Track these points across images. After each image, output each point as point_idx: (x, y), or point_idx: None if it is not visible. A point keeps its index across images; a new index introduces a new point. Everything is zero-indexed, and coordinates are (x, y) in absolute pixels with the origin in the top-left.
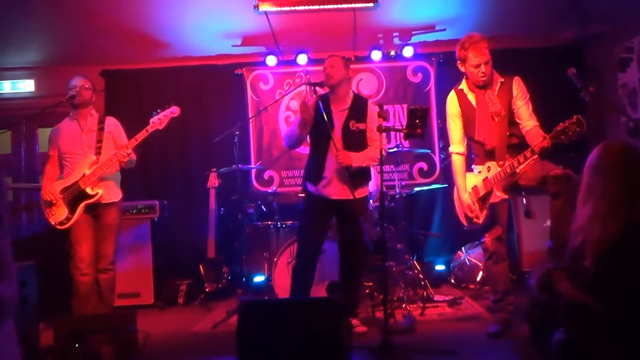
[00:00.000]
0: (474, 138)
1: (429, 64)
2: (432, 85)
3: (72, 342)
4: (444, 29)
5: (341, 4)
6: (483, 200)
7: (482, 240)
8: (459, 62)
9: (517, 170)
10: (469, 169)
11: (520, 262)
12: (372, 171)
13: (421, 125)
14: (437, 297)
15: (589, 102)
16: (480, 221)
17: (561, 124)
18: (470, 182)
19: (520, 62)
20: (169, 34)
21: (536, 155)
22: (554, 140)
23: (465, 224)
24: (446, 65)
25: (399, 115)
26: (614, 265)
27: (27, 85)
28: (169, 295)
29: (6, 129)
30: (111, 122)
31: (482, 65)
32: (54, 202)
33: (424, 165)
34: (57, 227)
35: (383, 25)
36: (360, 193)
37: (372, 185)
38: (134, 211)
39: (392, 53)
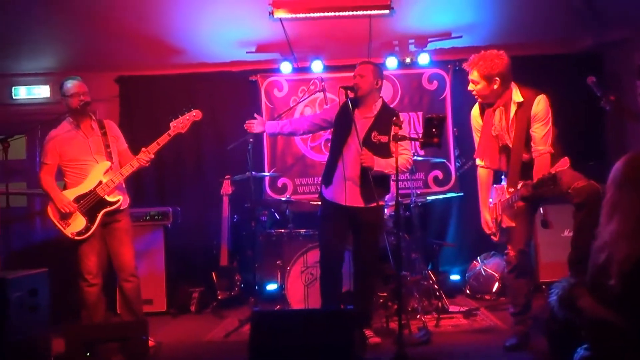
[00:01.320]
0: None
1: (445, 71)
2: (447, 93)
3: (83, 351)
4: (460, 36)
5: (357, 10)
6: (498, 222)
7: (506, 252)
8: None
9: (515, 205)
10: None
11: (537, 273)
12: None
13: (438, 134)
14: (452, 308)
15: (610, 110)
16: (497, 239)
17: (539, 177)
18: (496, 196)
19: (538, 70)
20: (184, 40)
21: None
22: (534, 190)
23: (493, 237)
24: (462, 73)
25: (414, 123)
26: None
27: (42, 91)
28: (181, 302)
29: (21, 134)
30: (111, 125)
31: (472, 84)
32: (72, 212)
33: (439, 173)
34: (76, 238)
35: (399, 32)
36: (373, 203)
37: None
38: (147, 218)
39: (408, 60)
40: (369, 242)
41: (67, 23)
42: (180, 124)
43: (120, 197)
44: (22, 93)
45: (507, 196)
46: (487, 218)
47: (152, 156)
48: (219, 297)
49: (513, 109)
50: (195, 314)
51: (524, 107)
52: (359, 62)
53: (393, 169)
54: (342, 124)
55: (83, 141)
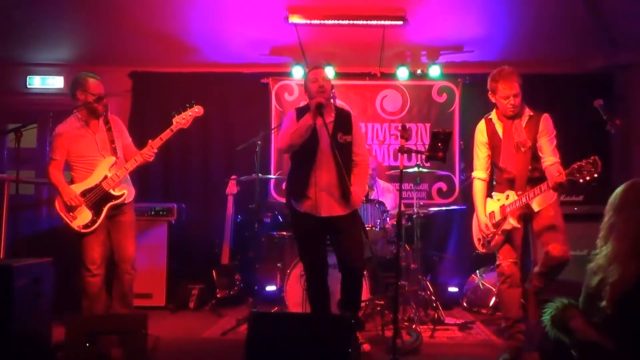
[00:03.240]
0: (498, 165)
1: (455, 84)
2: (456, 106)
3: (83, 341)
4: (472, 51)
5: (371, 20)
6: (497, 226)
7: (497, 264)
8: (490, 92)
9: (530, 202)
10: (489, 195)
11: None
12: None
13: (443, 149)
14: (448, 320)
15: (615, 134)
16: (492, 244)
17: (578, 162)
18: (489, 207)
19: (548, 88)
20: (199, 40)
21: (550, 189)
22: (569, 176)
23: (479, 248)
24: (472, 87)
25: (421, 134)
26: (631, 308)
27: (56, 82)
28: (180, 298)
29: (34, 123)
30: (115, 120)
31: (511, 98)
32: (78, 206)
33: (443, 185)
34: (82, 230)
35: (411, 43)
36: (350, 208)
37: (390, 204)
38: (152, 213)
39: (419, 71)
40: (355, 241)
41: (84, 15)
42: (182, 119)
43: (125, 191)
44: (36, 83)
45: (515, 199)
46: (485, 220)
47: (156, 151)
48: (218, 295)
49: (525, 120)
50: (194, 310)
51: (533, 120)
52: (311, 67)
53: (365, 188)
54: (310, 137)
55: (90, 138)
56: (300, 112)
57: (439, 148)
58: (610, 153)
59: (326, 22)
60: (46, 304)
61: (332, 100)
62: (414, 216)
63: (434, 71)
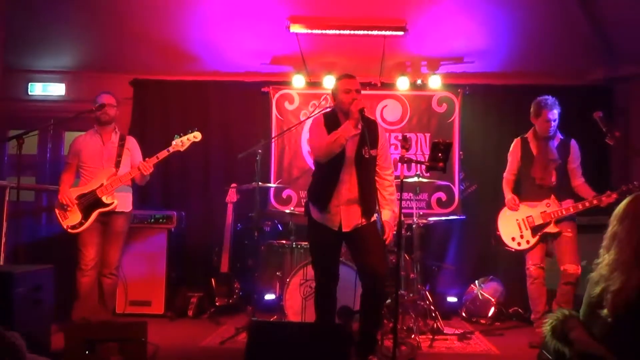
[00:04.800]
0: (529, 176)
1: (455, 95)
2: (456, 116)
3: (82, 349)
4: (473, 62)
5: (372, 30)
6: (537, 229)
7: (527, 267)
8: (533, 115)
9: (571, 212)
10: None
11: None
12: None
13: (443, 159)
14: (447, 330)
15: (614, 146)
16: (531, 245)
17: (624, 185)
18: (526, 212)
19: None
20: (200, 48)
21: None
22: (620, 196)
23: (514, 246)
24: (472, 98)
25: (421, 144)
26: (632, 317)
27: (57, 89)
28: (179, 306)
29: (35, 130)
30: (131, 141)
31: (551, 122)
32: (69, 206)
33: (442, 195)
34: (69, 230)
35: (412, 53)
36: (371, 216)
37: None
38: (152, 220)
39: (419, 82)
40: (379, 254)
41: (85, 23)
42: (180, 142)
43: (116, 201)
44: (37, 90)
45: (557, 208)
46: (513, 196)
47: (151, 169)
48: (217, 304)
49: (557, 143)
50: (193, 318)
51: (564, 143)
52: (343, 75)
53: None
54: None
55: (100, 148)
56: (329, 118)
57: (439, 158)
58: (609, 165)
59: (327, 32)
60: (46, 311)
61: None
62: (414, 226)
63: (434, 81)
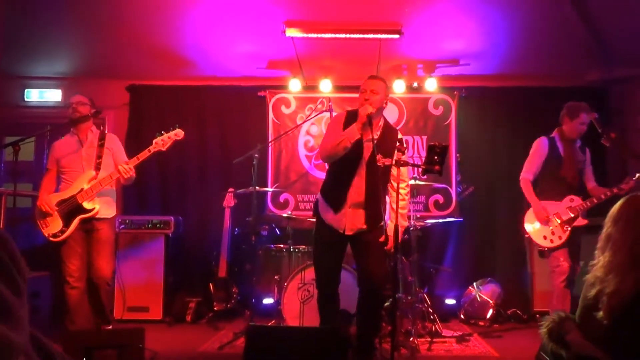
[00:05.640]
0: (559, 175)
1: (451, 97)
2: (452, 118)
3: (80, 356)
4: (468, 64)
5: (367, 33)
6: (568, 222)
7: (559, 264)
8: (567, 117)
9: (592, 204)
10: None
11: (532, 302)
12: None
13: (440, 162)
14: (445, 332)
15: (609, 147)
16: (563, 240)
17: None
18: (552, 209)
19: (543, 101)
20: (196, 53)
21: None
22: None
23: (546, 244)
24: (468, 100)
25: (418, 146)
26: (628, 319)
27: (54, 95)
28: (177, 311)
29: (31, 136)
30: (111, 139)
31: (584, 125)
32: (49, 213)
33: (440, 197)
34: (51, 239)
35: (408, 56)
36: (377, 224)
37: (387, 217)
38: (149, 226)
39: (415, 84)
40: (378, 258)
41: (81, 30)
42: (161, 142)
43: (97, 206)
44: (34, 96)
45: (581, 202)
46: (552, 212)
47: (131, 168)
48: (215, 309)
49: (578, 146)
50: (191, 323)
51: (583, 148)
52: (368, 76)
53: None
54: (352, 149)
55: (77, 151)
56: (350, 117)
57: (435, 161)
58: (606, 166)
59: (323, 35)
60: (43, 318)
61: (382, 115)
62: (411, 229)
63: (431, 84)
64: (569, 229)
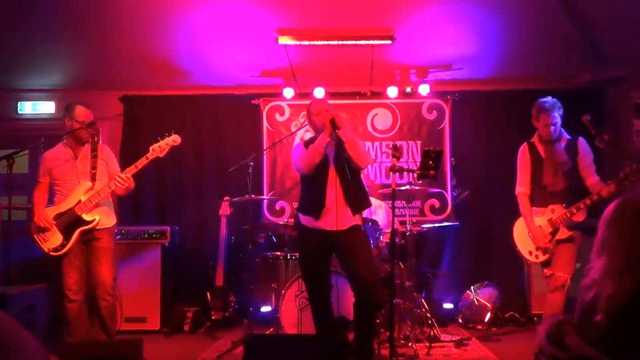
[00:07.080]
0: (541, 182)
1: (445, 102)
2: (446, 123)
3: None
4: (461, 68)
5: (360, 40)
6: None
7: (550, 274)
8: (533, 118)
9: (577, 216)
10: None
11: (530, 305)
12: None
13: (434, 167)
14: (443, 337)
15: (603, 149)
16: (547, 257)
17: (621, 172)
18: (536, 222)
19: None
20: (190, 63)
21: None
22: (618, 186)
23: (532, 259)
24: (461, 104)
25: (412, 152)
26: (626, 322)
27: (47, 107)
28: (175, 321)
29: (25, 149)
30: (104, 150)
31: (550, 126)
32: (48, 228)
33: (435, 202)
34: (51, 253)
35: (400, 62)
36: (356, 220)
37: (383, 221)
38: (145, 236)
39: (408, 90)
40: (366, 261)
41: (74, 41)
42: (158, 148)
43: (97, 217)
44: (27, 108)
45: (563, 212)
46: (542, 232)
47: (129, 180)
48: (213, 318)
49: (564, 144)
50: (189, 333)
51: (571, 143)
52: (312, 101)
53: (359, 139)
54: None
55: (72, 163)
56: (309, 142)
57: (430, 166)
58: (601, 168)
59: (315, 42)
60: (40, 331)
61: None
62: (407, 233)
63: (424, 89)
64: (554, 243)
